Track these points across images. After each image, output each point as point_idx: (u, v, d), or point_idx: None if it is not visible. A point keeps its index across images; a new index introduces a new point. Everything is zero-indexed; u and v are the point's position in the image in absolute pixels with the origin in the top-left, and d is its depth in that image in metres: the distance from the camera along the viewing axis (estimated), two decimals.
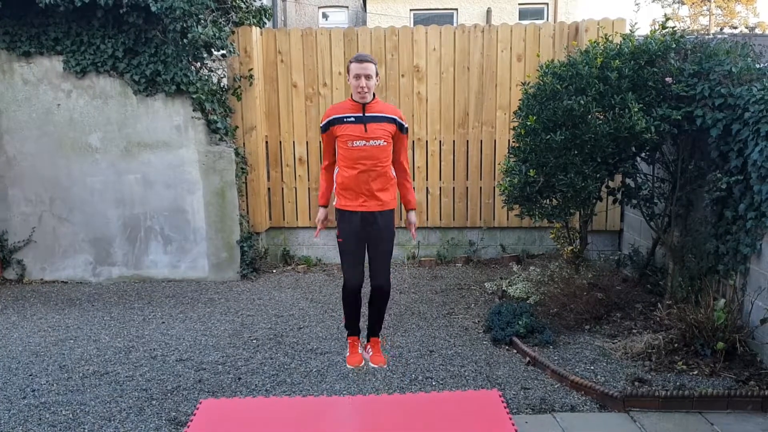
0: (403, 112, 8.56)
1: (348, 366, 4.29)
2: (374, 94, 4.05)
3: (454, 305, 7.04)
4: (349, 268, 4.10)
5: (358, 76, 3.92)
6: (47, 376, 5.38)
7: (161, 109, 7.98)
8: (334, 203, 4.23)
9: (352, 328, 4.35)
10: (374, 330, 4.37)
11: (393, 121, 4.05)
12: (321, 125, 4.10)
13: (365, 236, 4.07)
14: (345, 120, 3.99)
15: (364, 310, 4.44)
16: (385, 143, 4.00)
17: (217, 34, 7.59)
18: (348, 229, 4.06)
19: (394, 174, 4.18)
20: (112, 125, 8.03)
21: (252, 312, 6.96)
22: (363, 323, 4.55)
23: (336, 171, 4.15)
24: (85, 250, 8.28)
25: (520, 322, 5.88)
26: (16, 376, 5.38)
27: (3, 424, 4.58)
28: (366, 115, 3.98)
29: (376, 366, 4.26)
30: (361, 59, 3.96)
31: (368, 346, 4.36)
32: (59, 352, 5.90)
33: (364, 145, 3.95)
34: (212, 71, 8.25)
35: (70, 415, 4.68)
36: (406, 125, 4.14)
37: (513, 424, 4.23)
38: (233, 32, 8.24)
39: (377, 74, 4.03)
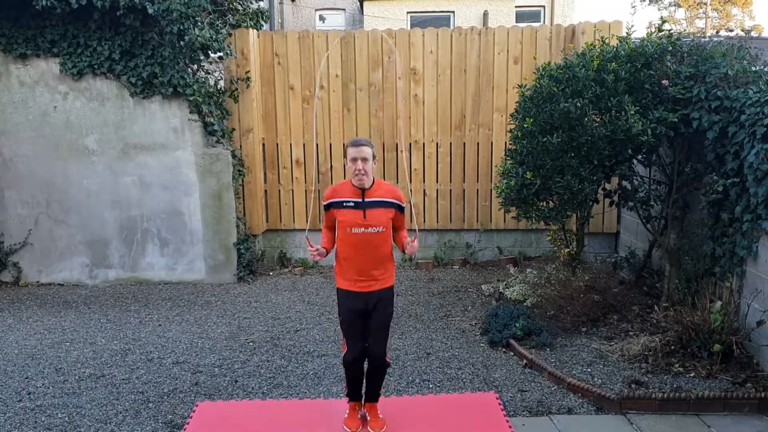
0: (400, 115, 8.63)
1: (345, 428, 4.23)
2: (374, 179, 4.06)
3: (451, 307, 7.04)
4: (351, 343, 4.10)
5: (354, 160, 3.93)
6: (43, 378, 5.36)
7: (158, 111, 7.98)
8: (335, 283, 4.24)
9: (354, 394, 4.30)
10: (373, 397, 4.31)
11: (392, 205, 4.05)
12: (324, 204, 4.12)
13: (365, 313, 4.08)
14: (345, 204, 4.01)
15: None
16: (384, 229, 4.01)
17: (214, 37, 7.60)
18: (348, 309, 4.08)
19: (393, 254, 4.17)
20: (109, 127, 8.03)
21: (249, 314, 6.95)
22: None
23: (336, 247, 4.15)
24: (81, 253, 8.26)
25: (517, 325, 5.87)
26: (12, 379, 5.36)
27: None
28: (365, 200, 3.99)
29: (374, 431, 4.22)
30: (357, 143, 3.98)
31: (365, 411, 4.31)
32: (55, 355, 5.88)
33: (363, 232, 3.96)
34: (209, 73, 8.25)
35: (66, 418, 4.67)
36: (404, 205, 4.15)
37: (510, 427, 4.24)
38: (230, 34, 8.24)
39: (374, 157, 4.03)
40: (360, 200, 3.99)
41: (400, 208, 4.10)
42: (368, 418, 4.26)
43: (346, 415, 4.29)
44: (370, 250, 4.00)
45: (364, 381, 4.26)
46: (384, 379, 4.31)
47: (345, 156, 4.07)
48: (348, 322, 4.09)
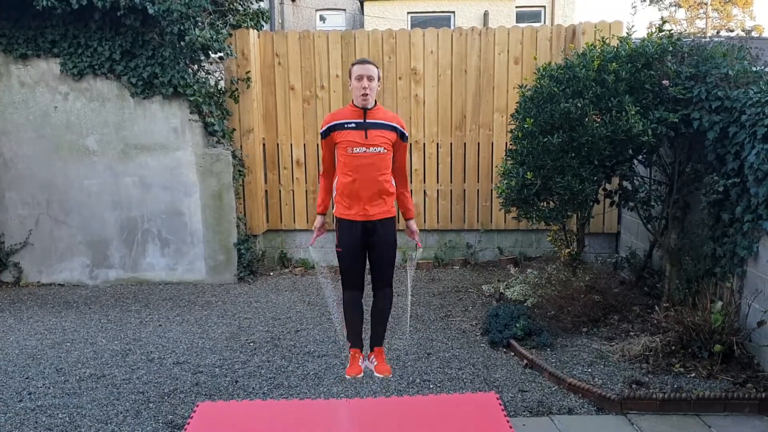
0: (401, 115, 8.62)
1: (347, 376, 4.18)
2: (375, 101, 4.00)
3: (452, 308, 7.04)
4: (349, 278, 4.03)
5: (360, 77, 3.86)
6: (44, 379, 5.36)
7: (158, 111, 7.98)
8: (333, 211, 4.19)
9: (355, 340, 4.23)
10: (377, 339, 4.26)
11: (394, 129, 3.99)
12: (321, 131, 4.03)
13: (365, 245, 4.00)
14: (346, 126, 3.93)
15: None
16: (386, 151, 3.94)
17: (214, 37, 7.60)
18: (347, 239, 3.99)
19: (394, 183, 4.11)
20: (109, 127, 8.03)
21: (249, 315, 6.95)
22: (365, 336, 4.46)
23: (336, 179, 4.09)
24: (82, 253, 8.26)
25: (517, 325, 5.87)
26: (13, 379, 5.36)
27: None
28: (367, 121, 3.92)
29: (381, 376, 4.16)
30: (363, 61, 3.93)
31: (372, 356, 4.27)
32: (56, 355, 5.88)
33: (364, 152, 3.88)
34: (209, 74, 8.25)
35: (67, 419, 4.67)
36: (406, 133, 4.09)
37: (510, 427, 4.22)
38: (230, 35, 8.23)
39: (379, 78, 3.98)
40: (362, 121, 3.92)
41: (402, 135, 4.04)
42: (375, 363, 4.18)
43: (348, 365, 4.23)
44: (370, 173, 3.91)
45: (369, 321, 4.18)
46: (389, 318, 4.24)
47: (349, 76, 3.97)
48: (347, 253, 4.01)
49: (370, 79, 3.87)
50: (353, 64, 3.96)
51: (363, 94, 3.88)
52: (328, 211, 4.27)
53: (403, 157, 4.16)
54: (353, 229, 3.98)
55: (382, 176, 3.96)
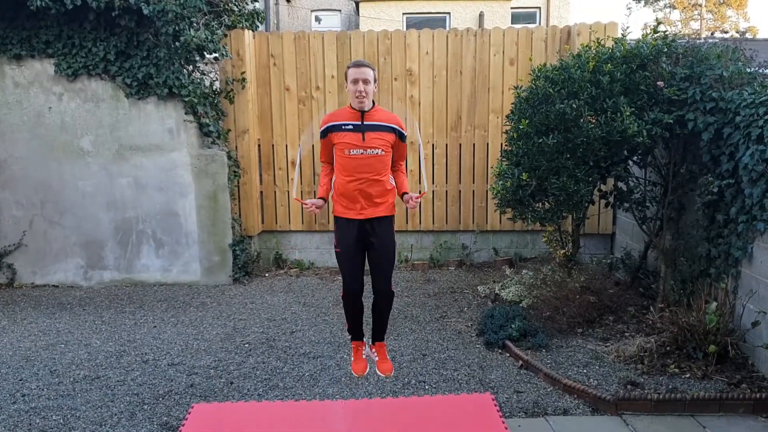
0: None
1: (354, 374, 4.19)
2: (374, 102, 3.98)
3: (447, 309, 7.04)
4: (349, 277, 4.02)
5: (356, 81, 3.84)
6: (38, 380, 5.34)
7: (153, 112, 7.96)
8: (331, 210, 4.17)
9: (355, 332, 4.25)
10: (378, 335, 4.29)
11: (392, 130, 3.97)
12: (320, 131, 4.02)
13: (364, 245, 4.00)
14: (343, 128, 3.91)
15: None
16: (384, 153, 3.92)
17: (209, 37, 7.58)
18: (346, 238, 3.99)
19: (393, 183, 4.09)
20: (104, 128, 8.00)
21: (244, 316, 6.93)
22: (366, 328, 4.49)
23: (334, 177, 4.07)
24: (76, 254, 8.24)
25: (512, 326, 5.88)
26: (6, 381, 5.34)
27: None
28: (364, 123, 3.90)
29: (383, 375, 4.17)
30: (358, 64, 3.90)
31: (373, 349, 4.31)
32: (50, 357, 5.86)
33: (362, 154, 3.87)
34: (204, 74, 8.23)
35: (61, 420, 4.65)
36: (405, 133, 4.08)
37: (506, 428, 4.23)
38: (226, 35, 8.23)
39: (376, 80, 3.95)
40: (359, 123, 3.90)
41: (401, 135, 4.02)
42: (376, 358, 4.19)
43: (352, 359, 4.27)
44: (368, 174, 3.89)
45: (371, 317, 4.20)
46: (390, 313, 4.25)
47: (345, 78, 3.95)
48: (345, 252, 4.00)
49: (365, 82, 3.85)
50: (349, 67, 3.94)
51: (359, 98, 3.86)
52: (327, 198, 4.23)
53: (403, 154, 4.15)
54: (351, 228, 3.97)
55: (380, 177, 3.95)
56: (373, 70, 3.94)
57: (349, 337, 4.33)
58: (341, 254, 4.03)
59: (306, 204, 3.99)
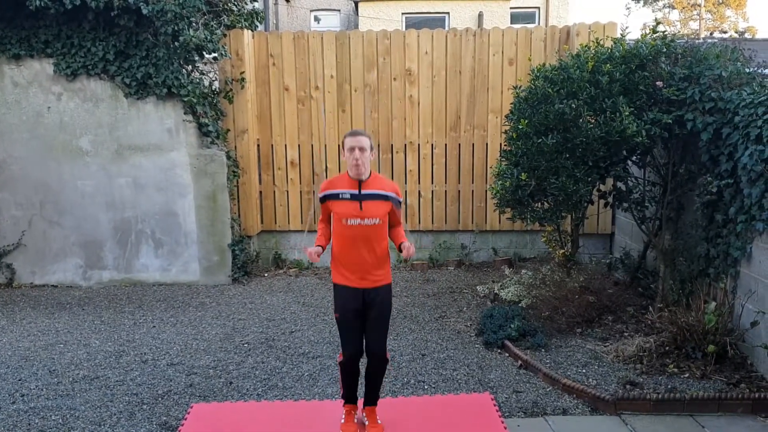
0: (395, 116, 8.64)
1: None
2: (371, 172, 4.02)
3: (447, 309, 7.04)
4: (348, 342, 4.02)
5: (352, 149, 3.87)
6: (37, 380, 5.34)
7: (152, 112, 7.96)
8: (331, 278, 4.15)
9: (350, 396, 4.23)
10: (371, 399, 4.24)
11: (388, 198, 4.00)
12: (319, 196, 4.07)
13: (362, 311, 4.00)
14: (341, 196, 3.95)
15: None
16: (380, 222, 3.96)
17: (208, 37, 7.58)
18: (344, 305, 4.00)
19: (389, 248, 4.11)
20: (103, 128, 8.00)
21: (243, 316, 6.93)
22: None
23: (331, 243, 4.10)
24: (75, 254, 8.23)
25: (512, 326, 5.88)
26: (6, 381, 5.33)
27: None
28: (362, 192, 3.94)
29: None
30: (355, 133, 3.95)
31: (364, 413, 4.25)
32: (49, 357, 5.86)
33: (359, 223, 3.91)
34: (204, 74, 8.23)
35: (60, 420, 4.65)
36: (401, 200, 4.12)
37: (505, 428, 4.23)
38: (225, 35, 8.23)
39: (372, 148, 3.99)
40: (356, 192, 3.94)
41: (397, 202, 4.06)
42: (366, 422, 4.18)
43: (342, 421, 4.21)
44: (366, 243, 3.93)
45: (363, 381, 4.19)
46: (383, 380, 4.25)
47: (342, 147, 3.98)
48: (344, 318, 4.01)
49: (362, 150, 3.88)
50: (346, 136, 3.98)
51: (356, 165, 3.89)
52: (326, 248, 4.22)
53: (399, 219, 4.16)
54: (350, 295, 3.99)
55: (378, 246, 3.98)
56: (370, 138, 3.98)
57: (342, 401, 4.28)
58: (341, 320, 4.05)
59: (309, 252, 4.00)
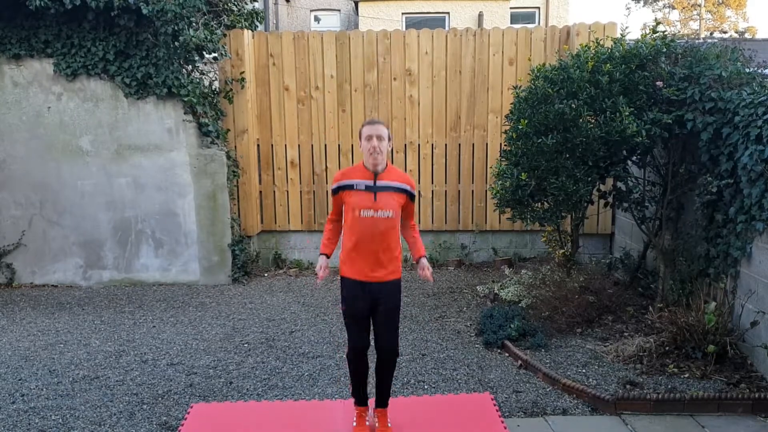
0: (395, 116, 8.64)
1: None
2: (387, 163, 3.97)
3: (446, 308, 7.04)
4: (354, 335, 3.98)
5: (369, 137, 3.83)
6: (37, 380, 5.34)
7: (152, 111, 7.96)
8: (339, 273, 4.12)
9: (359, 397, 4.18)
10: (382, 400, 4.18)
11: (404, 191, 3.97)
12: (332, 188, 4.02)
13: (370, 305, 3.96)
14: (355, 187, 3.91)
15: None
16: (393, 215, 3.90)
17: (208, 37, 7.58)
18: (352, 299, 3.95)
19: (400, 241, 4.07)
20: (103, 128, 8.00)
21: (243, 316, 6.93)
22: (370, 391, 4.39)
23: (342, 237, 4.07)
24: (75, 254, 8.23)
25: (512, 326, 5.88)
26: (5, 381, 5.33)
27: None
28: (377, 184, 3.90)
29: None
30: (372, 122, 3.92)
31: (375, 417, 4.20)
32: (49, 357, 5.86)
33: (372, 215, 3.85)
34: (204, 74, 8.23)
35: (60, 420, 4.64)
36: (415, 193, 4.08)
37: (505, 428, 4.24)
38: (225, 35, 8.23)
39: (390, 138, 3.94)
40: (372, 183, 3.89)
41: (411, 195, 4.03)
42: (377, 425, 4.13)
43: (354, 424, 4.17)
44: (377, 236, 3.87)
45: (375, 379, 4.13)
46: (392, 378, 4.19)
47: (359, 137, 4.00)
48: (351, 313, 3.97)
49: (380, 138, 3.83)
50: (363, 125, 3.93)
51: (373, 154, 3.84)
52: (332, 254, 4.20)
53: (411, 212, 4.15)
54: (357, 289, 3.94)
55: (389, 239, 3.92)
56: (387, 128, 3.93)
57: (353, 400, 4.23)
58: (347, 313, 4.00)
59: (320, 276, 4.01)
